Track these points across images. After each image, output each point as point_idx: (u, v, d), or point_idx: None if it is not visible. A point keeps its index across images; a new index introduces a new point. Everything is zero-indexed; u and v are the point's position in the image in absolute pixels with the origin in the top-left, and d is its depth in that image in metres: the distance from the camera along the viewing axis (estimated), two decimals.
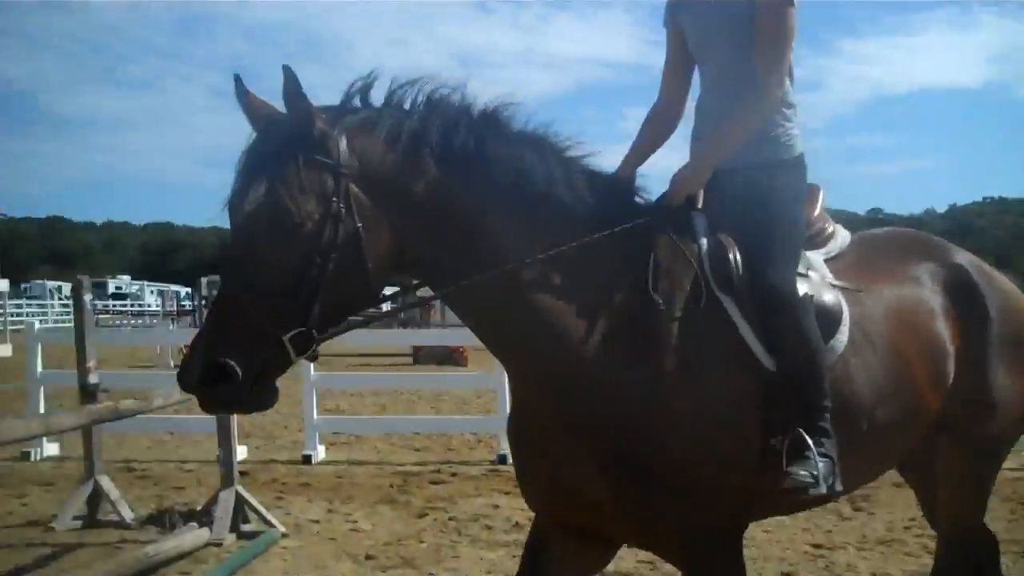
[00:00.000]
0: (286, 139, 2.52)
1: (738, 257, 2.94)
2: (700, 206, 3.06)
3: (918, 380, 3.20)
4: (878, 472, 3.52)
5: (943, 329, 3.33)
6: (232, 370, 2.38)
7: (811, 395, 2.85)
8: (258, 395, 2.47)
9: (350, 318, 2.69)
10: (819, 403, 2.85)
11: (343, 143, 2.54)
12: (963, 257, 3.60)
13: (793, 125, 3.18)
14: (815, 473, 2.75)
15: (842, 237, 3.38)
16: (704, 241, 2.98)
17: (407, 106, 2.73)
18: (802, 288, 2.97)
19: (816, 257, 3.20)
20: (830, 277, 3.14)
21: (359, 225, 2.52)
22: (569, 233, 2.80)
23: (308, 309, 2.46)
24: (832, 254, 3.29)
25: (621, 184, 3.10)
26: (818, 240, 3.28)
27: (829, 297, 3.06)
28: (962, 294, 3.43)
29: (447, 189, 2.68)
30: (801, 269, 3.05)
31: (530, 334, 2.77)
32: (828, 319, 2.99)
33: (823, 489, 2.78)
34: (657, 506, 2.75)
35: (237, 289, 2.48)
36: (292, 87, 2.49)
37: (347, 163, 2.53)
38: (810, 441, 2.78)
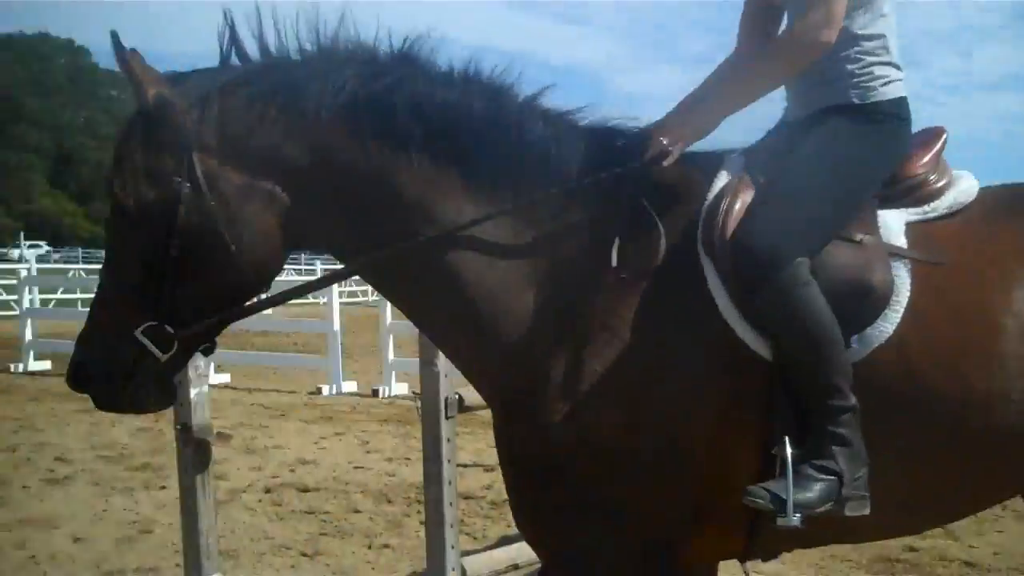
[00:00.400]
0: (130, 117, 2.33)
1: (733, 212, 2.37)
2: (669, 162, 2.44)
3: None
4: (986, 499, 2.64)
5: None
6: (89, 371, 2.32)
7: (813, 392, 2.25)
8: (133, 395, 2.33)
9: (256, 302, 2.47)
10: (826, 403, 2.25)
11: (194, 114, 2.27)
12: None
13: (876, 61, 2.53)
14: (783, 496, 2.17)
15: (959, 193, 2.58)
16: (712, 195, 2.42)
17: (297, 55, 2.38)
18: (842, 256, 2.36)
19: (896, 218, 2.49)
20: (899, 243, 2.43)
21: (212, 203, 2.25)
22: (508, 193, 2.39)
23: (156, 301, 2.27)
24: (933, 214, 2.53)
25: (600, 133, 2.53)
26: (915, 196, 2.54)
27: (878, 269, 2.36)
28: None
29: (335, 149, 2.33)
30: (858, 235, 2.39)
31: (453, 315, 2.42)
32: (868, 297, 2.34)
33: (792, 520, 2.16)
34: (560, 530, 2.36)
35: (104, 283, 2.36)
36: (121, 54, 2.27)
37: (197, 136, 2.26)
38: (790, 453, 2.21)
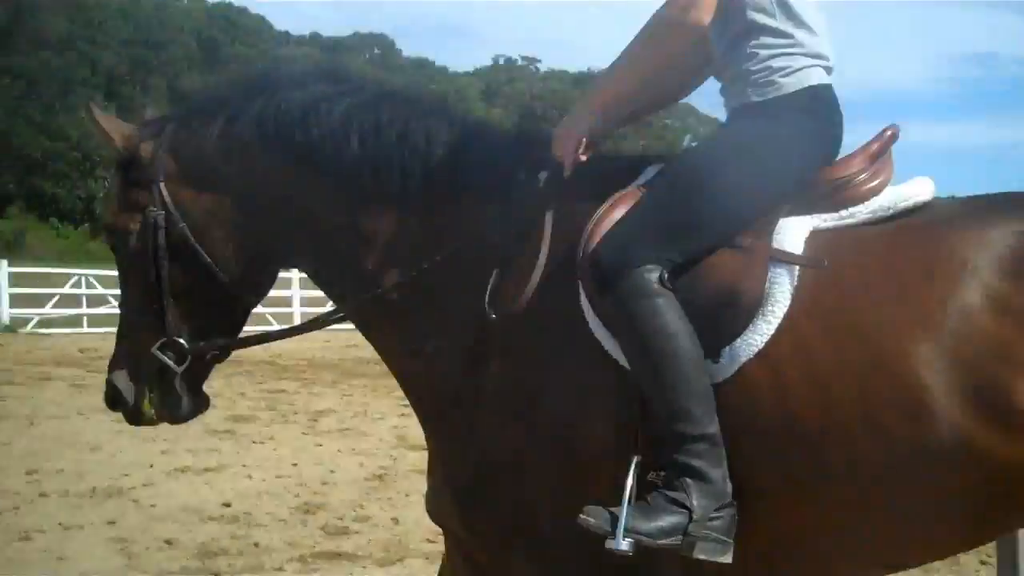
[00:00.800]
0: (114, 164, 2.66)
1: (602, 224, 2.29)
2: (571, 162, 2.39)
3: (936, 399, 2.06)
4: (896, 557, 2.28)
5: (998, 328, 2.08)
6: (119, 391, 2.56)
7: (661, 415, 2.10)
8: (161, 405, 2.57)
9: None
10: (672, 428, 2.07)
11: (161, 150, 2.54)
12: None
13: (778, 53, 2.34)
14: (616, 522, 2.02)
15: (893, 198, 2.33)
16: (601, 209, 2.32)
17: (247, 92, 2.58)
18: (717, 263, 2.21)
19: (801, 223, 2.28)
20: (791, 249, 2.22)
21: (182, 226, 2.50)
22: (404, 206, 2.45)
23: (162, 319, 2.51)
24: (851, 220, 2.30)
25: (508, 142, 2.55)
26: (834, 200, 2.31)
27: (751, 276, 2.18)
28: None
29: (257, 170, 2.51)
30: (747, 240, 2.23)
31: (379, 335, 2.58)
32: (736, 305, 2.16)
33: (621, 545, 2.00)
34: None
35: (121, 313, 2.65)
36: (89, 115, 2.63)
37: (162, 169, 2.53)
38: (631, 481, 2.08)
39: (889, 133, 2.38)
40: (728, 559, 2.05)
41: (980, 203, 2.34)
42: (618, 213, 2.28)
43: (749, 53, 2.34)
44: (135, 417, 2.60)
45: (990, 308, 2.08)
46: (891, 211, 2.31)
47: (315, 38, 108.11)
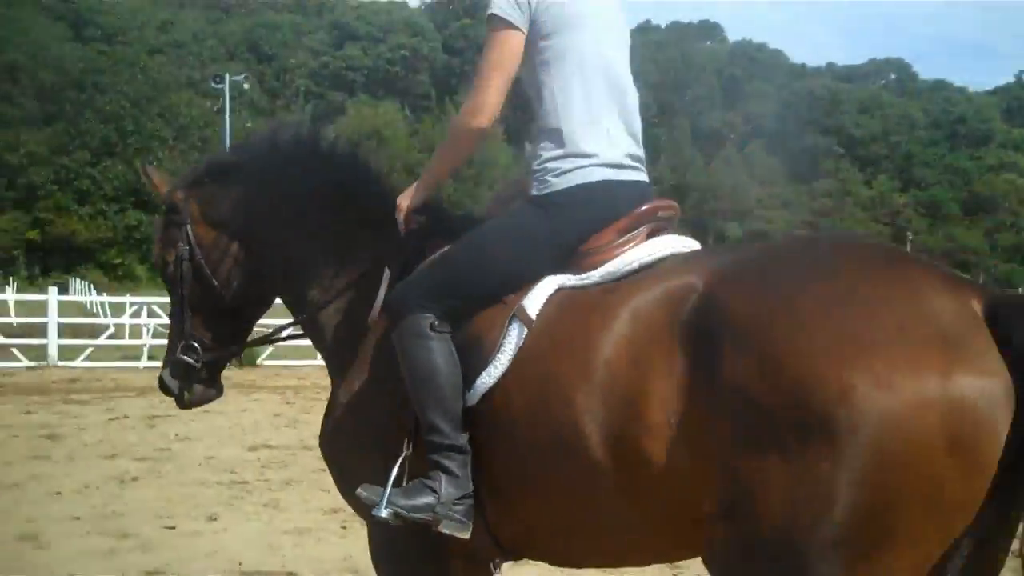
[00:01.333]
0: (159, 208, 3.36)
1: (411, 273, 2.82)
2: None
3: (588, 444, 2.34)
4: (580, 550, 2.61)
5: (628, 379, 2.31)
6: (166, 383, 3.25)
7: (422, 424, 2.58)
8: (193, 393, 3.26)
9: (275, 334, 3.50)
10: (428, 437, 2.56)
11: (190, 199, 3.20)
12: (717, 269, 2.34)
13: (554, 156, 2.68)
14: (376, 497, 2.54)
15: (623, 262, 2.59)
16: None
17: (244, 158, 3.23)
18: (476, 315, 2.63)
19: (551, 283, 2.61)
20: (533, 306, 2.56)
21: (200, 258, 3.16)
22: (321, 247, 3.06)
23: (182, 327, 3.20)
24: (588, 281, 2.59)
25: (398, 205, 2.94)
26: (581, 265, 2.63)
27: (492, 327, 2.59)
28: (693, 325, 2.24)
29: (233, 213, 3.16)
30: (508, 297, 2.61)
31: (315, 342, 3.22)
32: (478, 350, 2.58)
33: (381, 513, 2.50)
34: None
35: (169, 322, 3.38)
36: (144, 172, 3.46)
37: (189, 211, 3.18)
38: (396, 470, 2.59)
39: (643, 209, 2.69)
40: (466, 535, 2.54)
41: (695, 256, 2.61)
42: (423, 266, 2.82)
43: (537, 154, 2.74)
44: (179, 403, 3.27)
45: (627, 360, 2.32)
46: (617, 273, 2.58)
47: (830, 68, 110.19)
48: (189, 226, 3.19)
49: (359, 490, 2.61)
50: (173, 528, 6.21)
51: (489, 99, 2.69)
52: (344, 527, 6.22)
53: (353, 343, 2.94)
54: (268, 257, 3.16)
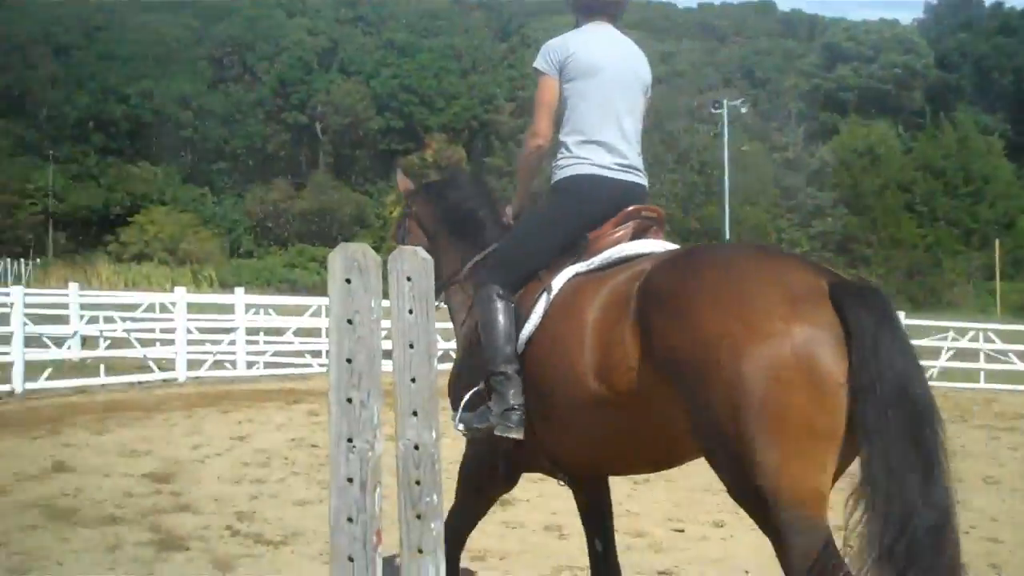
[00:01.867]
0: (401, 203, 4.74)
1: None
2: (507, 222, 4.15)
3: (584, 371, 3.25)
4: (600, 460, 3.59)
5: (603, 337, 3.24)
6: None
7: (486, 363, 3.54)
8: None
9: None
10: (488, 369, 3.52)
11: (416, 201, 4.50)
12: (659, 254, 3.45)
13: (564, 155, 3.79)
14: (460, 417, 3.67)
15: (612, 253, 3.56)
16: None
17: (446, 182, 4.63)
18: (525, 289, 3.65)
19: (571, 267, 3.59)
20: (555, 285, 3.53)
21: (410, 237, 4.39)
22: (459, 251, 4.23)
23: None
24: (592, 266, 3.55)
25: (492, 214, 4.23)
26: (588, 252, 3.62)
27: (530, 300, 3.58)
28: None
29: (424, 217, 4.42)
30: (546, 277, 3.61)
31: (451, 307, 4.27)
32: (521, 315, 3.56)
33: (458, 427, 3.67)
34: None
35: None
36: (400, 187, 4.76)
37: (411, 208, 4.51)
38: (467, 396, 3.65)
39: (629, 210, 3.71)
40: (519, 436, 3.45)
41: (661, 252, 3.50)
42: (493, 251, 4.06)
43: (556, 153, 3.88)
44: None
45: (604, 320, 3.24)
46: (608, 261, 3.55)
47: None
48: (409, 219, 4.51)
49: (452, 414, 3.67)
50: (682, 531, 6.57)
51: (540, 126, 3.83)
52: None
53: (461, 311, 4.08)
54: (434, 246, 4.18)
